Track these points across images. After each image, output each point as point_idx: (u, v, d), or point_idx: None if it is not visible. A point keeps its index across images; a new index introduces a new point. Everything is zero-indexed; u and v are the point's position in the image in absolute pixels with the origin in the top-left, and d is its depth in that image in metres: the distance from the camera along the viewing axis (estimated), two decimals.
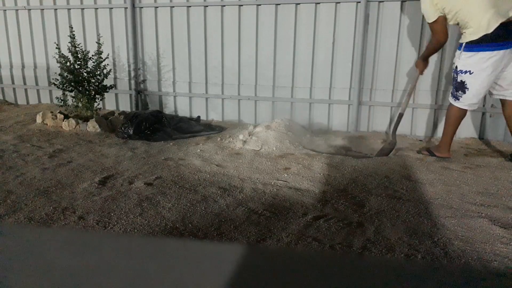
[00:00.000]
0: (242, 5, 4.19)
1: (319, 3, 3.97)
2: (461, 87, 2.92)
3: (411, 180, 2.63)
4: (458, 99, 2.98)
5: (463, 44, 2.85)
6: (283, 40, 4.17)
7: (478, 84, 2.85)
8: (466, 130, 3.84)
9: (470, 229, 1.92)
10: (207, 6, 4.31)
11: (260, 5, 4.13)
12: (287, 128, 3.69)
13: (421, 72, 3.30)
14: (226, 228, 1.93)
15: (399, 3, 3.77)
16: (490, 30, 2.69)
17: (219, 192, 2.39)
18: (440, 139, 3.22)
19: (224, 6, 4.25)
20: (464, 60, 2.85)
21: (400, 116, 3.45)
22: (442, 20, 2.89)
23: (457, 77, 2.94)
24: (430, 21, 2.95)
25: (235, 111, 4.52)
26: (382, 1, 3.81)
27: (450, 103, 3.07)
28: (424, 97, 3.90)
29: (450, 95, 3.08)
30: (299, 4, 4.03)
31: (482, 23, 2.71)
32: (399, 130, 4.03)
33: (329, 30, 4.01)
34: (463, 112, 3.03)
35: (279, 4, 4.08)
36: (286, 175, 2.73)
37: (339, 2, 3.92)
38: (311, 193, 2.39)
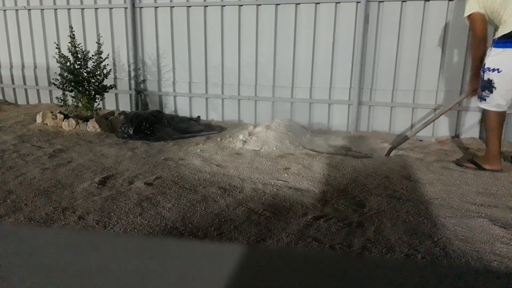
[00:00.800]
0: (242, 5, 4.20)
1: (319, 3, 3.97)
2: (488, 86, 2.70)
3: (411, 180, 2.63)
4: (485, 100, 2.75)
5: (494, 40, 2.67)
6: (283, 40, 4.17)
7: (507, 84, 2.64)
8: (466, 130, 3.84)
9: (470, 229, 1.92)
10: (207, 6, 4.31)
11: (260, 5, 4.14)
12: (287, 128, 3.69)
13: (469, 93, 2.96)
14: (226, 228, 1.93)
15: (399, 3, 3.78)
16: None
17: (219, 192, 2.39)
18: (486, 149, 2.87)
19: (224, 6, 4.25)
20: (493, 57, 2.66)
21: (405, 138, 3.30)
22: (478, 16, 2.70)
23: (483, 75, 2.72)
24: (465, 15, 2.78)
25: (235, 111, 4.52)
26: (382, 1, 3.81)
27: (485, 109, 2.80)
28: (424, 97, 3.90)
29: (477, 97, 2.84)
30: (299, 4, 4.03)
31: None
32: (399, 130, 4.03)
33: (329, 30, 4.01)
34: (501, 115, 2.75)
35: (279, 4, 4.08)
36: (286, 175, 2.73)
37: (339, 2, 3.92)
38: (311, 193, 2.39)
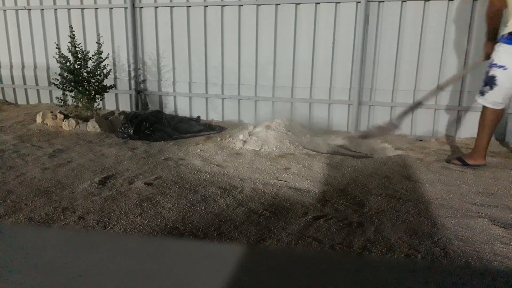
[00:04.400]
0: (242, 5, 4.19)
1: (319, 3, 3.97)
2: (490, 81, 2.67)
3: (411, 180, 2.63)
4: (483, 95, 2.73)
5: (504, 35, 2.61)
6: (283, 40, 4.17)
7: (509, 82, 2.61)
8: (466, 130, 3.84)
9: (470, 229, 1.92)
10: (207, 6, 4.31)
11: (260, 5, 4.13)
12: (287, 128, 3.68)
13: (486, 58, 2.84)
14: (226, 228, 1.93)
15: (399, 3, 3.78)
16: None
17: (219, 192, 2.39)
18: (474, 145, 2.91)
19: (224, 6, 4.25)
20: (501, 53, 2.60)
21: (418, 104, 3.17)
22: None
23: (489, 70, 2.68)
24: None
25: (235, 111, 4.52)
26: (382, 1, 3.81)
27: (483, 105, 2.79)
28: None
29: (478, 92, 2.81)
30: (299, 4, 4.03)
31: None
32: (399, 130, 4.03)
33: (329, 30, 4.01)
34: (498, 114, 2.73)
35: (279, 4, 4.08)
36: (286, 175, 2.73)
37: (339, 2, 3.92)
38: (311, 193, 2.39)
